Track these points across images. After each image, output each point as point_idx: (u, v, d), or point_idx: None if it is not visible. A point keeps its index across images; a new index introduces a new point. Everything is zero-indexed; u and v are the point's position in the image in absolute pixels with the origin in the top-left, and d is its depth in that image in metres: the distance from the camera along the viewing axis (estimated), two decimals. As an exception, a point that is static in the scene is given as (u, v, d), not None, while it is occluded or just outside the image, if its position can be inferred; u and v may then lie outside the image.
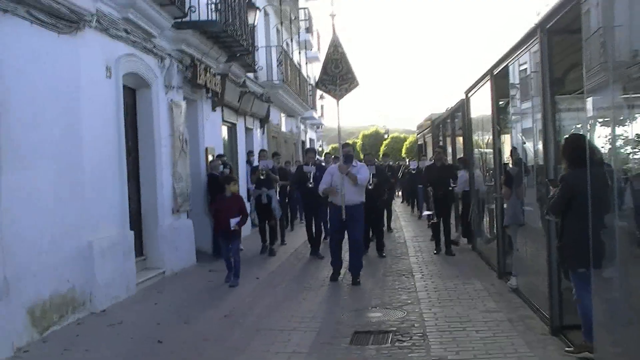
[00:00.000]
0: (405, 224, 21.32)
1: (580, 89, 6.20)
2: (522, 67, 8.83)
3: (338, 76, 11.59)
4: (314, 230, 14.57)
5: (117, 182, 10.22)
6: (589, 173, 5.70)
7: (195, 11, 12.63)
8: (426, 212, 14.64)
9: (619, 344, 5.48)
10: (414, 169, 23.65)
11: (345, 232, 11.39)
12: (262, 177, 14.57)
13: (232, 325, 8.41)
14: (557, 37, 7.27)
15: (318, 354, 7.04)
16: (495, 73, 10.37)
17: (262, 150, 16.68)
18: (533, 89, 8.27)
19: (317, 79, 12.89)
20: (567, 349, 6.57)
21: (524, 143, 9.41)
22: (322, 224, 14.65)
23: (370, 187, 12.28)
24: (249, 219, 13.64)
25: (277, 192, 15.62)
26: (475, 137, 13.40)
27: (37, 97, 8.08)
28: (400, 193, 31.89)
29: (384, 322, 8.29)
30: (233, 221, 10.94)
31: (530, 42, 7.86)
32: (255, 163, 17.19)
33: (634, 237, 5.07)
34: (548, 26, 7.09)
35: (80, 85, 9.14)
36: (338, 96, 11.69)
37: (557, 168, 7.11)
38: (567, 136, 7.05)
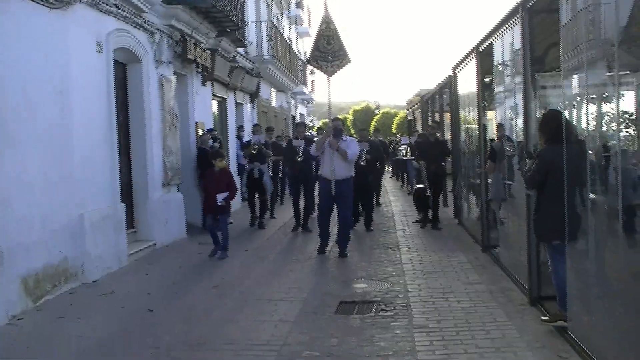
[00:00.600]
0: (393, 198, 21.56)
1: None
2: (505, 45, 8.98)
3: (330, 52, 11.70)
4: (302, 205, 14.44)
5: (108, 156, 10.37)
6: (565, 148, 5.91)
7: (185, -14, 12.73)
8: (419, 185, 14.65)
9: (592, 313, 5.71)
10: (405, 144, 23.71)
11: (334, 205, 11.46)
12: (254, 152, 14.70)
13: (220, 295, 8.62)
14: (538, 17, 7.43)
15: (304, 323, 7.25)
16: (480, 50, 10.54)
17: (255, 125, 16.97)
18: (515, 66, 8.44)
19: (308, 55, 13.07)
20: (543, 318, 6.80)
21: (512, 119, 9.58)
22: (309, 198, 14.53)
23: (362, 164, 12.45)
24: (238, 193, 13.86)
25: (270, 167, 15.68)
26: (463, 113, 13.59)
27: (28, 75, 8.20)
28: (390, 168, 32.03)
29: (368, 293, 8.51)
30: (220, 196, 11.00)
31: (513, 20, 8.03)
32: (247, 138, 17.35)
33: (608, 212, 5.25)
34: (529, 5, 7.27)
35: (71, 60, 9.25)
36: (330, 72, 11.83)
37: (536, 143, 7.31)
38: (544, 112, 7.25)
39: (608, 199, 5.23)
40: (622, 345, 4.92)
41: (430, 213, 14.16)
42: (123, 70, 11.78)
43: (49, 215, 8.54)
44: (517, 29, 7.83)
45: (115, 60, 10.87)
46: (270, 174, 15.56)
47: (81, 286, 9.14)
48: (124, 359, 6.33)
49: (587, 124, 5.74)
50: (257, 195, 15.13)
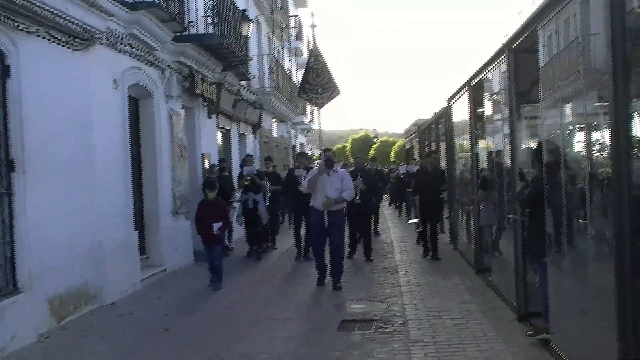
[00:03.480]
0: (392, 225, 22.19)
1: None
2: (494, 80, 9.67)
3: (319, 85, 11.79)
4: (303, 233, 14.42)
5: (123, 186, 11.09)
6: (550, 175, 6.58)
7: (194, 26, 13.54)
8: (412, 221, 15.06)
9: (571, 325, 6.33)
10: (403, 173, 24.07)
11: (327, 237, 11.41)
12: (246, 183, 14.93)
13: (233, 315, 9.27)
14: (522, 55, 8.14)
15: (310, 339, 7.91)
16: (472, 84, 11.25)
17: (247, 156, 16.86)
18: (503, 99, 9.11)
19: (298, 88, 13.20)
20: (528, 332, 7.43)
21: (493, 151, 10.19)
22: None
23: (357, 201, 12.64)
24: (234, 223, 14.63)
25: (268, 197, 15.75)
26: (457, 142, 14.22)
27: (53, 111, 8.91)
28: (388, 196, 32.51)
29: (368, 313, 9.14)
30: (216, 225, 11.16)
31: (500, 58, 8.76)
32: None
33: (593, 234, 5.86)
34: (514, 46, 7.99)
35: (91, 97, 9.99)
36: (319, 105, 12.02)
37: (522, 169, 7.97)
38: (535, 144, 7.91)
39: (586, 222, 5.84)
40: (597, 353, 5.53)
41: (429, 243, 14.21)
42: (135, 105, 12.51)
43: (72, 241, 9.21)
44: (504, 66, 8.56)
45: (129, 96, 11.59)
46: (267, 204, 15.63)
47: (100, 308, 9.78)
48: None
49: (564, 151, 6.38)
50: (253, 226, 15.24)
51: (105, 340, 8.13)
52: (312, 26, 12.46)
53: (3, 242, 7.74)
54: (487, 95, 10.38)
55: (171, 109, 13.56)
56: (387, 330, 8.15)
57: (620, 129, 4.70)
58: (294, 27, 36.00)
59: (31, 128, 8.23)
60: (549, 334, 6.86)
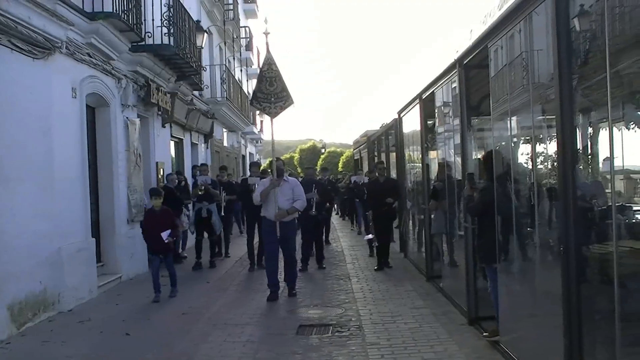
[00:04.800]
0: (342, 234, 22.52)
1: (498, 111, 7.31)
2: (445, 93, 10.06)
3: (272, 94, 11.55)
4: (256, 242, 14.32)
5: (81, 193, 11.19)
6: (498, 185, 6.96)
7: (151, 36, 13.69)
8: (367, 237, 15.04)
9: (519, 326, 6.72)
10: (351, 184, 24.05)
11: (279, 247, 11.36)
12: (200, 193, 14.98)
13: (191, 320, 9.43)
14: (472, 71, 8.53)
15: (269, 343, 8.14)
16: (423, 97, 11.63)
17: (202, 164, 16.97)
18: (453, 112, 9.50)
19: (251, 97, 12.93)
20: (484, 334, 7.79)
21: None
22: None
23: (313, 213, 12.85)
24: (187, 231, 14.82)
25: (223, 207, 15.69)
26: (408, 153, 14.59)
27: (15, 120, 9.03)
28: (336, 206, 32.74)
29: (324, 317, 9.41)
30: (165, 234, 11.01)
31: (451, 73, 9.15)
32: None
33: (532, 241, 6.24)
34: (465, 62, 8.38)
35: (51, 105, 10.10)
36: (273, 114, 11.70)
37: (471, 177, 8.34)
38: (483, 153, 8.30)
39: (533, 230, 6.22)
40: (543, 352, 5.90)
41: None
42: (92, 113, 12.59)
43: (33, 247, 9.31)
44: (455, 81, 8.96)
45: (86, 104, 11.68)
46: (222, 214, 15.64)
47: (58, 315, 9.86)
48: (113, 374, 7.11)
49: (512, 161, 6.77)
50: (206, 234, 15.31)
51: (66, 345, 8.23)
52: (266, 33, 12.12)
53: (-35, 247, 7.81)
54: (438, 108, 10.76)
55: (127, 117, 13.68)
56: (343, 334, 8.44)
57: (566, 141, 5.06)
58: (245, 38, 36.25)
59: (-5, 137, 8.32)
60: (500, 335, 7.24)
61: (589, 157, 4.73)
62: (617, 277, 4.38)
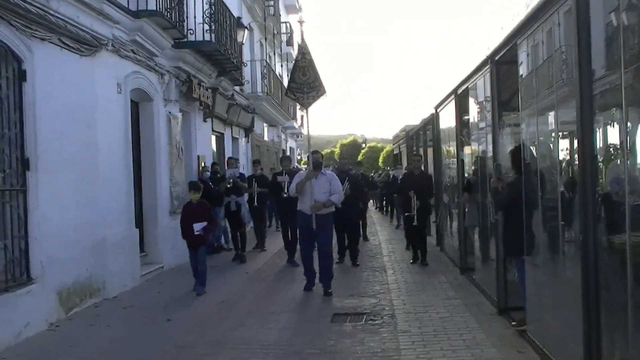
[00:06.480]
0: (380, 228, 22.75)
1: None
2: (478, 89, 10.25)
3: (305, 84, 11.40)
4: (289, 238, 14.41)
5: (125, 185, 11.63)
6: (526, 179, 7.17)
7: (193, 33, 14.09)
8: (408, 214, 14.59)
9: (545, 316, 6.92)
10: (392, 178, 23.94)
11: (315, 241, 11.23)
12: (229, 186, 15.09)
13: (228, 308, 9.80)
14: (504, 67, 8.72)
15: (304, 329, 8.47)
16: (458, 93, 11.83)
17: (230, 158, 16.93)
18: (487, 107, 9.68)
19: (286, 87, 12.73)
20: (512, 323, 8.01)
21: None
22: (295, 234, 13.82)
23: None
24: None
25: (255, 199, 15.69)
26: (444, 148, 14.77)
27: (62, 112, 9.46)
28: (376, 201, 32.97)
29: (359, 307, 9.68)
30: (197, 225, 10.92)
31: (483, 69, 9.35)
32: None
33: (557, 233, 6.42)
34: (496, 58, 8.58)
35: (97, 100, 10.54)
36: (306, 104, 11.59)
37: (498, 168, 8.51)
38: (512, 148, 8.47)
39: (557, 222, 6.41)
40: (565, 340, 6.10)
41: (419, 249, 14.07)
42: (136, 108, 13.03)
43: (78, 235, 9.76)
44: (487, 77, 9.16)
45: (130, 100, 12.12)
46: (255, 204, 15.68)
47: (103, 301, 10.31)
48: (154, 353, 7.45)
49: (541, 156, 6.96)
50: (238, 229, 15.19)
51: (111, 328, 8.66)
52: (300, 22, 11.98)
53: (18, 235, 8.25)
54: (472, 103, 10.95)
55: (169, 112, 14.11)
56: (376, 322, 8.70)
57: (586, 137, 5.26)
58: (285, 33, 36.63)
59: (43, 128, 8.76)
60: (527, 325, 7.46)
61: (628, 152, 4.83)
62: (630, 267, 4.58)
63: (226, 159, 17.91)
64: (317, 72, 11.52)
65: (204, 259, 11.27)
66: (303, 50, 11.63)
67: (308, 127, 12.12)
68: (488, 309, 9.12)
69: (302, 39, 11.80)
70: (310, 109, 11.87)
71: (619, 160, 5.19)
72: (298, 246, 13.17)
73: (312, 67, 11.49)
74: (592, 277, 5.27)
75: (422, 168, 15.62)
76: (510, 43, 7.67)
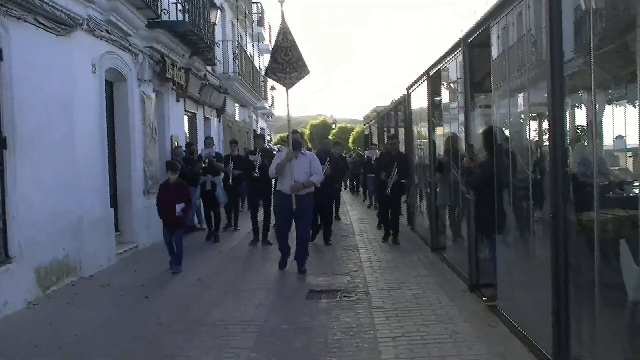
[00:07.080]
0: (351, 208, 23.01)
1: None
2: (450, 71, 10.43)
3: (288, 64, 11.34)
4: (262, 219, 14.26)
5: (100, 164, 11.68)
6: (497, 160, 7.38)
7: (167, 13, 14.11)
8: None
9: (514, 292, 7.16)
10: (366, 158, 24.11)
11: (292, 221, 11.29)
12: (204, 165, 15.36)
13: (204, 287, 9.94)
14: (476, 49, 8.90)
15: (280, 306, 8.66)
16: (431, 74, 12.00)
17: (207, 138, 17.07)
18: (459, 88, 9.87)
19: (266, 67, 12.65)
20: (483, 299, 8.25)
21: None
22: (268, 212, 14.11)
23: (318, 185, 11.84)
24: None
25: (230, 178, 15.64)
26: (416, 129, 14.97)
27: (40, 92, 9.48)
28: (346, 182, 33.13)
29: (333, 284, 9.89)
30: (178, 207, 11.07)
31: (456, 52, 9.53)
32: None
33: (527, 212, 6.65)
34: (469, 40, 8.75)
35: (73, 80, 10.54)
36: (288, 84, 11.48)
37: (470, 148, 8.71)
38: (484, 129, 8.68)
39: (527, 202, 6.63)
40: (534, 314, 6.33)
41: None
42: (110, 88, 13.02)
43: (55, 215, 9.81)
44: (460, 58, 9.34)
45: (105, 79, 12.13)
46: (230, 183, 15.63)
47: (79, 280, 10.38)
48: (134, 331, 7.53)
49: (512, 137, 7.16)
50: (212, 208, 15.39)
51: (89, 307, 8.75)
52: (280, 1, 11.72)
53: (-4, 214, 8.31)
54: (444, 84, 11.13)
55: (143, 92, 14.12)
56: (351, 299, 8.91)
57: (556, 118, 5.47)
58: (256, 14, 36.54)
59: (21, 109, 8.79)
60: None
61: (593, 134, 5.02)
62: (597, 244, 4.80)
63: (204, 139, 17.96)
64: (299, 52, 11.48)
65: (181, 240, 11.37)
66: (285, 30, 11.52)
67: (288, 106, 11.89)
68: (459, 285, 9.37)
69: (283, 19, 11.63)
70: (282, 89, 11.75)
71: (585, 142, 5.41)
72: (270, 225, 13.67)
73: (294, 47, 11.44)
74: (561, 255, 5.49)
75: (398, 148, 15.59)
76: (483, 26, 7.84)
